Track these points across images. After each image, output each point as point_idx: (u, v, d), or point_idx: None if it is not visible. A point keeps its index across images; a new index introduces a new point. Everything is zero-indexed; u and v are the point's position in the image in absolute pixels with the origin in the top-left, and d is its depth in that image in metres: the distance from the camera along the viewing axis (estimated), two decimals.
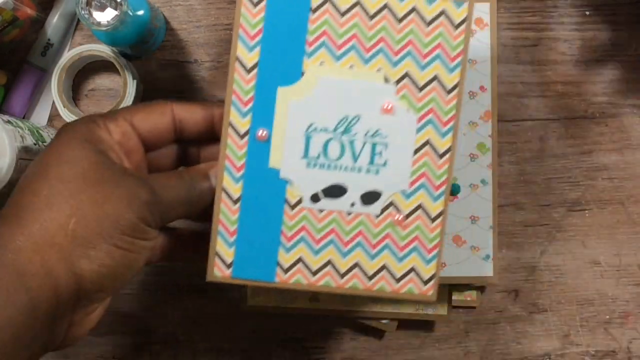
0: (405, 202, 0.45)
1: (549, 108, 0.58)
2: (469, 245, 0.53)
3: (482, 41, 0.53)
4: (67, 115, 0.54)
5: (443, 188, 0.45)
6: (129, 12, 0.50)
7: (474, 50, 0.53)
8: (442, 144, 0.44)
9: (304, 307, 0.54)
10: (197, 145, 0.47)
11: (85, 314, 0.39)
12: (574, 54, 0.58)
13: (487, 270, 0.53)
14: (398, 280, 0.45)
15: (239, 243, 0.43)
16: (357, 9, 0.43)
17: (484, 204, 0.53)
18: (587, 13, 0.58)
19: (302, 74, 0.43)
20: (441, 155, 0.44)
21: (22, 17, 0.52)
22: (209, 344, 0.57)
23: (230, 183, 0.43)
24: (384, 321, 0.55)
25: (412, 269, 0.45)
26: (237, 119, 0.43)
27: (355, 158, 0.44)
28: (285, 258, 0.44)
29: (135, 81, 0.55)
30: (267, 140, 0.43)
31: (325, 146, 0.44)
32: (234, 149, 0.43)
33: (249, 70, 0.43)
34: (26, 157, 0.49)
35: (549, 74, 0.58)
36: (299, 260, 0.44)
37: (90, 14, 0.49)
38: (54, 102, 0.57)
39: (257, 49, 0.43)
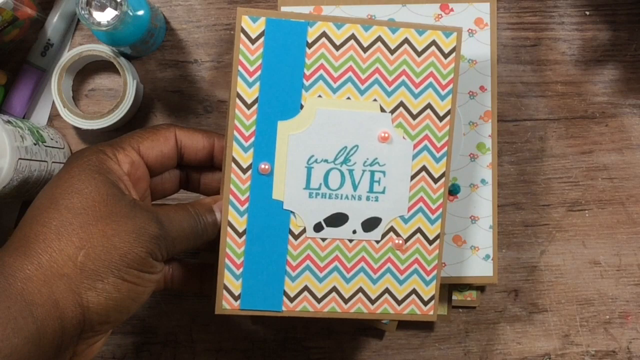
0: (404, 227, 0.46)
1: (549, 108, 0.58)
2: (469, 245, 0.53)
3: (482, 41, 0.53)
4: (67, 115, 0.54)
5: (439, 211, 0.46)
6: (129, 12, 0.50)
7: (474, 50, 0.53)
8: (437, 169, 0.46)
9: None
10: (197, 171, 0.48)
11: (88, 345, 0.39)
12: (574, 54, 0.58)
13: (487, 270, 0.53)
14: (400, 302, 0.46)
15: (246, 275, 0.44)
16: (351, 42, 0.45)
17: (484, 204, 0.53)
18: (587, 13, 0.58)
19: (301, 107, 0.44)
20: (436, 180, 0.46)
21: (22, 17, 0.52)
22: (209, 344, 0.57)
23: (235, 217, 0.44)
24: (383, 321, 0.55)
25: (413, 291, 0.46)
26: (240, 153, 0.44)
27: (355, 187, 0.45)
28: (291, 287, 0.45)
29: (135, 81, 0.55)
30: (270, 174, 0.44)
31: (326, 176, 0.45)
32: (237, 184, 0.44)
33: (249, 106, 0.44)
34: (26, 157, 0.49)
35: (549, 74, 0.58)
36: (305, 288, 0.45)
37: (90, 14, 0.49)
38: (54, 102, 0.57)
39: (257, 85, 0.44)
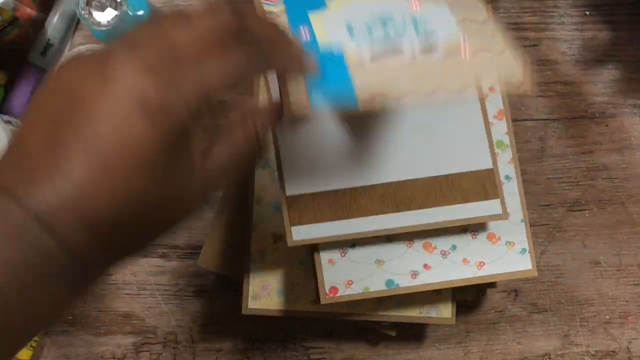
0: (464, 43, 0.43)
1: (549, 108, 0.58)
2: (503, 242, 0.52)
3: None
4: None
5: (495, 28, 0.43)
6: (129, 12, 0.50)
7: None
8: (481, 17, 0.44)
9: (305, 310, 0.54)
10: None
11: None
12: (574, 54, 0.58)
13: (525, 264, 0.51)
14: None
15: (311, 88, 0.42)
16: None
17: (512, 199, 0.52)
18: (587, 13, 0.58)
19: (326, 6, 0.44)
20: (482, 23, 0.44)
21: (22, 17, 0.53)
22: (209, 344, 0.57)
23: None
24: (384, 323, 0.55)
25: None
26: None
27: (400, 33, 0.44)
28: (363, 84, 0.42)
29: None
30: (311, 38, 0.43)
31: (370, 31, 0.44)
32: None
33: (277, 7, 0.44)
34: None
35: (549, 74, 0.58)
36: (377, 92, 0.42)
37: (90, 14, 0.49)
38: None
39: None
